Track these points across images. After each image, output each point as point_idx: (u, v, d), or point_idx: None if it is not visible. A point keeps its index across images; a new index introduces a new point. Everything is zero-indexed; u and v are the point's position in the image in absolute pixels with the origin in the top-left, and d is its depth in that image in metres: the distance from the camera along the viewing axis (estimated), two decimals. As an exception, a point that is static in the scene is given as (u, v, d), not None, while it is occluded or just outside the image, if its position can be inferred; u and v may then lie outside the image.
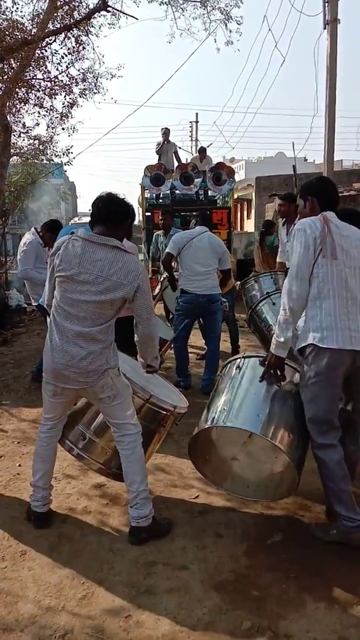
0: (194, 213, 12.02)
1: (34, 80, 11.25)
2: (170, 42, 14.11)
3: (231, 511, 3.38)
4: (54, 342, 2.93)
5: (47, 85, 11.41)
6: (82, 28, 10.83)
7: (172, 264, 5.89)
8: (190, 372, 5.96)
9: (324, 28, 9.71)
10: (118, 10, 10.90)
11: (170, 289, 6.35)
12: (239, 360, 3.37)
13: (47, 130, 12.72)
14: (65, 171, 17.32)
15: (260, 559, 2.89)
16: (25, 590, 2.66)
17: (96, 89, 11.85)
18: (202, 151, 13.70)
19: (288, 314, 2.98)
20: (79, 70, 11.67)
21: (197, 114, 36.70)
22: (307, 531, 3.13)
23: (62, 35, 10.76)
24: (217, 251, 5.69)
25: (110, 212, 2.93)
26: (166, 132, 12.87)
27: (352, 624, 2.42)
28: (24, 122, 12.09)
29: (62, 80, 11.46)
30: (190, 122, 36.77)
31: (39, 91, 11.42)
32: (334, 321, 2.89)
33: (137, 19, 11.14)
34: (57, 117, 12.11)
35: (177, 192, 12.16)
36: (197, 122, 36.17)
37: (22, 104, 11.44)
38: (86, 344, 2.87)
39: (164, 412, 3.28)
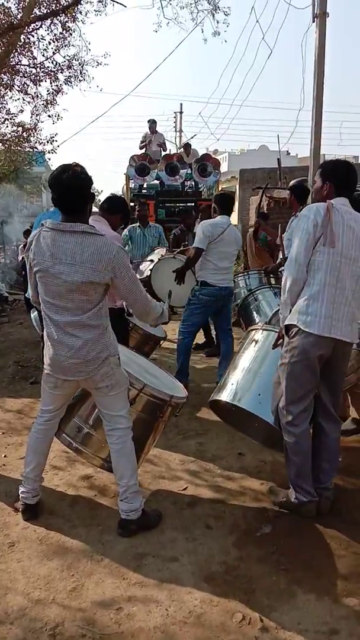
0: (180, 205, 12.05)
1: (18, 66, 11.13)
2: (157, 31, 14.13)
3: (220, 503, 3.38)
4: (51, 336, 2.89)
5: (32, 71, 11.29)
6: (69, 14, 10.69)
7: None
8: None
9: (313, 21, 9.66)
10: (105, -3, 10.78)
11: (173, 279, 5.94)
12: (258, 332, 3.78)
13: (31, 117, 12.51)
14: (49, 159, 17.10)
15: (249, 551, 2.90)
16: (15, 583, 2.63)
17: (82, 76, 11.81)
18: (187, 147, 13.58)
19: (286, 295, 3.14)
20: (64, 57, 11.57)
21: (181, 104, 36.64)
22: (296, 523, 3.15)
23: (49, 20, 10.65)
24: (238, 245, 5.58)
25: (69, 202, 2.79)
26: (152, 125, 12.77)
27: (343, 616, 2.43)
28: (8, 109, 11.98)
29: (47, 67, 11.36)
30: (174, 112, 36.62)
31: (24, 77, 11.31)
32: (319, 308, 3.03)
33: (124, 6, 11.05)
34: (41, 104, 11.99)
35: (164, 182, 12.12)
36: (181, 112, 36.01)
37: (7, 89, 11.30)
38: (81, 332, 2.83)
39: (160, 402, 3.24)
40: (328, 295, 3.01)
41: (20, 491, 3.19)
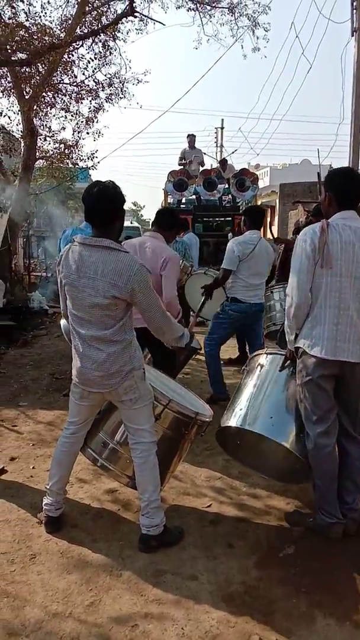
0: (218, 220, 12.09)
1: (61, 85, 11.40)
2: (197, 48, 14.19)
3: (243, 522, 3.33)
4: (77, 348, 2.95)
5: (73, 89, 11.55)
6: (109, 33, 10.95)
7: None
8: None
9: (352, 35, 9.63)
10: (145, 16, 11.00)
11: (201, 293, 5.88)
12: (262, 356, 3.61)
13: (72, 134, 12.79)
14: (90, 175, 17.41)
15: (271, 572, 2.84)
16: (33, 595, 2.65)
17: (122, 93, 11.99)
18: (224, 162, 13.67)
19: (291, 321, 3.11)
20: (105, 75, 11.81)
21: (222, 119, 36.88)
22: (320, 545, 3.08)
23: (90, 40, 10.89)
24: (271, 260, 5.53)
25: (98, 215, 2.85)
26: (191, 139, 12.91)
27: (363, 643, 2.36)
28: (50, 126, 12.25)
29: (88, 85, 11.60)
30: (215, 128, 36.84)
31: (66, 95, 11.58)
32: (322, 331, 2.99)
33: (164, 24, 11.21)
34: (82, 122, 12.24)
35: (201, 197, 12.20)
36: (222, 128, 36.20)
37: (49, 107, 11.60)
38: (104, 346, 2.86)
39: (185, 419, 3.20)
40: (330, 317, 2.95)
41: (43, 503, 3.22)
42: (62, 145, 13.04)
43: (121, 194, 2.90)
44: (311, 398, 3.07)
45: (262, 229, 5.58)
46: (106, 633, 2.41)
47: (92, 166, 13.64)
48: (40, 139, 11.98)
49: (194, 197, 12.45)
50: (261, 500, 3.59)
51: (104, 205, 2.85)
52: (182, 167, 12.74)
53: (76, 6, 10.65)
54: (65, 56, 10.57)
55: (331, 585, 2.74)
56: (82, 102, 11.97)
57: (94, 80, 11.67)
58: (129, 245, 4.30)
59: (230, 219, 12.12)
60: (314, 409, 3.07)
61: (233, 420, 3.35)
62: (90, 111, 12.17)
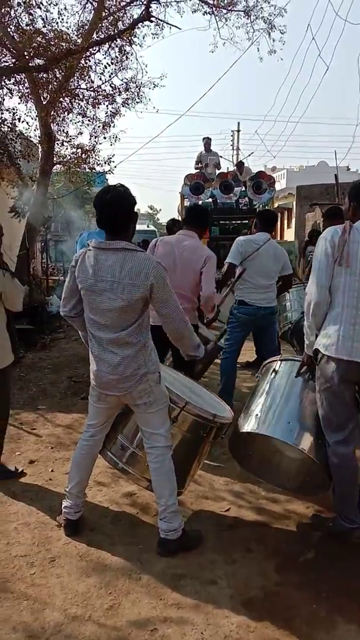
0: (235, 223, 12.07)
1: (77, 90, 11.47)
2: (213, 52, 14.10)
3: (262, 526, 3.32)
4: (94, 352, 2.96)
5: (90, 94, 11.61)
6: (125, 38, 10.99)
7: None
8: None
9: (369, 36, 9.58)
10: (161, 21, 11.05)
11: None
12: (276, 363, 3.55)
13: (89, 139, 12.85)
14: (107, 179, 17.46)
15: (290, 577, 2.82)
16: (53, 598, 2.66)
17: (139, 98, 12.02)
18: (240, 165, 13.64)
19: (310, 320, 3.09)
20: (122, 80, 11.86)
21: (238, 122, 36.78)
22: (340, 550, 3.05)
23: (106, 45, 10.94)
24: (280, 261, 5.37)
25: (112, 221, 2.85)
26: (207, 142, 12.91)
27: (385, 650, 2.33)
28: (67, 131, 12.31)
29: (105, 90, 11.65)
30: (231, 130, 36.82)
31: (83, 100, 11.64)
32: (339, 330, 2.96)
33: (180, 28, 11.27)
34: (99, 126, 12.30)
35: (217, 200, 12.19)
36: (238, 131, 36.14)
37: (66, 113, 11.67)
38: (119, 349, 2.87)
39: (203, 422, 3.18)
40: (347, 316, 2.93)
41: (63, 506, 3.23)
42: (79, 150, 13.09)
43: (132, 197, 2.88)
44: (329, 405, 3.04)
45: (272, 233, 5.56)
46: (125, 637, 2.41)
47: (109, 170, 13.67)
48: (57, 144, 12.05)
49: (210, 200, 12.44)
50: (280, 505, 3.57)
51: (115, 210, 2.84)
52: (198, 170, 12.74)
53: (93, 12, 10.72)
54: (82, 61, 10.62)
55: (352, 590, 2.71)
56: (98, 107, 12.04)
57: (110, 85, 11.74)
58: (164, 242, 4.33)
59: (247, 221, 12.09)
60: (331, 416, 3.05)
61: (248, 426, 3.26)
62: (107, 116, 12.24)
